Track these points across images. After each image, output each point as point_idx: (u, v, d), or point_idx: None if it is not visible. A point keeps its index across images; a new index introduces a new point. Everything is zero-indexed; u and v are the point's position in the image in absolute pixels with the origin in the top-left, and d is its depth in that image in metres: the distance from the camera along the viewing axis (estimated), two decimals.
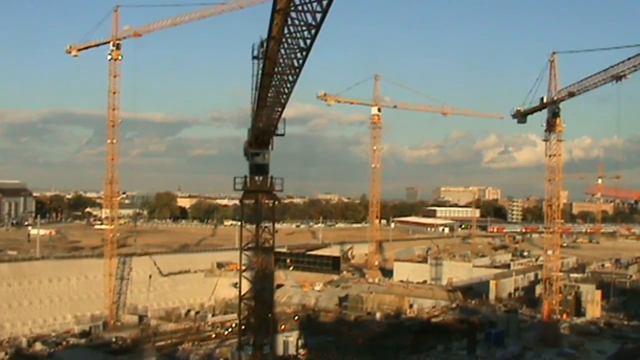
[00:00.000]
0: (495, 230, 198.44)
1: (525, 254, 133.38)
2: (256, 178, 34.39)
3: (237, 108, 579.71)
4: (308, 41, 21.26)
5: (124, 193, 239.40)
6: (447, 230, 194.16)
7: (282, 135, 34.68)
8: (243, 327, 42.26)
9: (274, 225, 34.66)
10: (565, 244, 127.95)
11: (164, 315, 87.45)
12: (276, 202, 34.90)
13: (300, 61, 23.70)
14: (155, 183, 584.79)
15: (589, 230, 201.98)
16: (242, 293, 36.07)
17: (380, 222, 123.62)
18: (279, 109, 32.20)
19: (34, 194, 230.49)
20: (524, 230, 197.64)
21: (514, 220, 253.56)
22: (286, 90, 29.33)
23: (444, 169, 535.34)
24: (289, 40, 22.01)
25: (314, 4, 18.42)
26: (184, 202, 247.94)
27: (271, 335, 43.70)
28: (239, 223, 39.32)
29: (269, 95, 30.55)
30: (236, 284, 37.77)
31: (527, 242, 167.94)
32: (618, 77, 53.53)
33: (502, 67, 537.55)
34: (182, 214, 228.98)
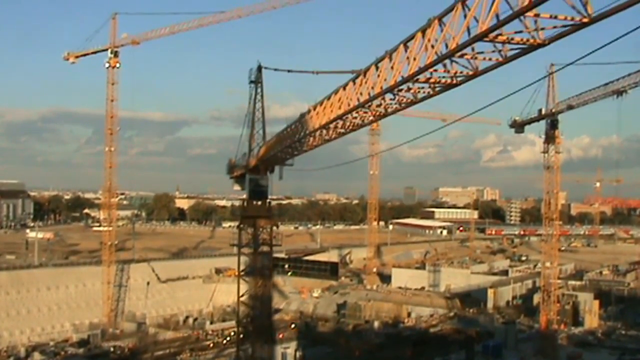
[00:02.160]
0: (493, 232, 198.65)
1: (524, 258, 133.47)
2: (254, 203, 34.26)
3: (236, 107, 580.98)
4: (389, 111, 20.52)
5: (122, 194, 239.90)
6: (445, 232, 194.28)
7: (291, 165, 33.62)
8: (241, 336, 42.31)
9: (271, 249, 34.62)
10: (563, 248, 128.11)
11: (162, 323, 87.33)
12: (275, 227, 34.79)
13: (370, 121, 22.65)
14: (154, 182, 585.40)
15: (587, 233, 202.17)
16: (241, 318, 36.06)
17: (378, 224, 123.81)
18: (306, 149, 29.84)
19: (32, 194, 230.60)
20: (522, 232, 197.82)
21: (512, 222, 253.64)
22: (329, 138, 27.13)
23: (443, 168, 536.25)
24: (373, 110, 21.06)
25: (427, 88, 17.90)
26: (182, 203, 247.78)
27: (269, 347, 43.70)
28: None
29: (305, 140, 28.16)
30: (234, 309, 37.72)
31: (525, 245, 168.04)
32: (619, 93, 53.38)
33: (500, 72, 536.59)
34: (180, 215, 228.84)
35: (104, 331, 79.39)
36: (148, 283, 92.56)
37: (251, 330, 39.35)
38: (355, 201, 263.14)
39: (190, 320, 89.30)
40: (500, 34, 14.33)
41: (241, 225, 34.03)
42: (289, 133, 27.22)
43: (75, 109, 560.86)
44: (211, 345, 73.65)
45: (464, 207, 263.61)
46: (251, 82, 33.96)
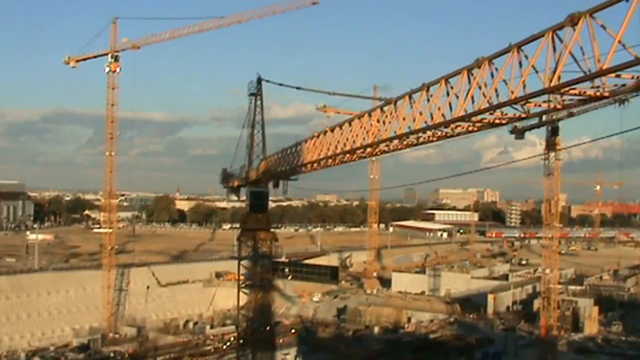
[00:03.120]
0: (493, 235, 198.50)
1: (524, 262, 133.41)
2: (254, 215, 34.16)
3: (237, 108, 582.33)
4: (421, 141, 20.40)
5: (122, 195, 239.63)
6: (445, 235, 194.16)
7: (296, 180, 33.26)
8: (241, 342, 42.28)
9: (272, 263, 34.60)
10: (563, 252, 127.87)
11: (162, 327, 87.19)
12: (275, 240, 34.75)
13: (396, 149, 22.61)
14: (154, 182, 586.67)
15: (587, 235, 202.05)
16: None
17: (378, 226, 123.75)
18: (317, 168, 28.76)
19: (33, 194, 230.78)
20: (522, 235, 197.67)
21: (512, 224, 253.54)
22: (347, 161, 26.06)
23: (443, 169, 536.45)
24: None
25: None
26: (183, 205, 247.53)
27: (269, 353, 43.67)
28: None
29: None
30: (234, 319, 37.62)
31: (525, 248, 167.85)
32: (621, 101, 52.94)
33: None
34: (180, 217, 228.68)
35: (104, 336, 79.34)
36: (148, 287, 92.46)
37: (251, 336, 39.33)
38: (356, 202, 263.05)
39: (191, 324, 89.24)
40: (573, 88, 14.10)
41: (241, 238, 34.12)
42: (297, 153, 26.83)
43: (76, 109, 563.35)
44: (211, 350, 73.63)
45: (464, 209, 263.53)
46: (251, 94, 33.81)
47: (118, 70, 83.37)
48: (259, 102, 33.29)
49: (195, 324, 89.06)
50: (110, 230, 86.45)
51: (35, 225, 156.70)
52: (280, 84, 32.75)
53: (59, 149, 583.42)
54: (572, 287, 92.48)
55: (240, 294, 34.64)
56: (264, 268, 34.27)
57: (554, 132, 65.69)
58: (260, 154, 33.78)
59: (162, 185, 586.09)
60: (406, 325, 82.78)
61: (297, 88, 30.42)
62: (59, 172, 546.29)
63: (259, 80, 33.31)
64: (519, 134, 71.31)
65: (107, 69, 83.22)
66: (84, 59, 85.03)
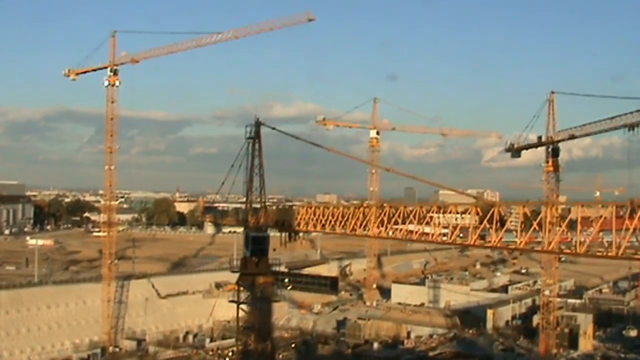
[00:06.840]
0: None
1: (523, 271, 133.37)
2: (254, 259, 34.07)
3: (238, 107, 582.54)
4: None
5: (122, 197, 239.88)
6: (445, 239, 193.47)
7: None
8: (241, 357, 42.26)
9: (271, 307, 34.57)
10: (562, 259, 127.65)
11: (162, 339, 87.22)
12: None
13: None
14: (155, 181, 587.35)
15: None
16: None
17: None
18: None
19: (33, 193, 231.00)
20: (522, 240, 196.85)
21: (512, 228, 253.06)
22: None
23: (443, 168, 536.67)
24: None
25: None
26: (183, 207, 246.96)
27: None
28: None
29: None
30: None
31: (525, 255, 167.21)
32: (631, 126, 52.30)
33: (501, 80, 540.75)
34: (180, 220, 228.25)
35: (104, 350, 79.41)
36: (147, 299, 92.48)
37: (250, 350, 39.24)
38: (355, 202, 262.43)
39: (190, 336, 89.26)
40: None
41: (239, 282, 34.05)
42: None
43: (78, 108, 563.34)
44: None
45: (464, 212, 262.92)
46: (249, 138, 33.57)
47: (117, 83, 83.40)
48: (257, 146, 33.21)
49: (195, 336, 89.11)
50: (109, 234, 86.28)
51: (47, 226, 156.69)
52: (273, 128, 32.69)
53: (60, 148, 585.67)
54: (571, 301, 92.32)
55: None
56: (263, 312, 34.26)
57: (554, 153, 65.74)
58: (259, 196, 33.65)
59: (163, 184, 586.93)
60: (405, 341, 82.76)
61: (296, 138, 30.35)
62: (60, 171, 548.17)
63: (257, 124, 33.15)
64: (516, 152, 71.54)
65: (107, 83, 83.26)
66: (84, 72, 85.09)
